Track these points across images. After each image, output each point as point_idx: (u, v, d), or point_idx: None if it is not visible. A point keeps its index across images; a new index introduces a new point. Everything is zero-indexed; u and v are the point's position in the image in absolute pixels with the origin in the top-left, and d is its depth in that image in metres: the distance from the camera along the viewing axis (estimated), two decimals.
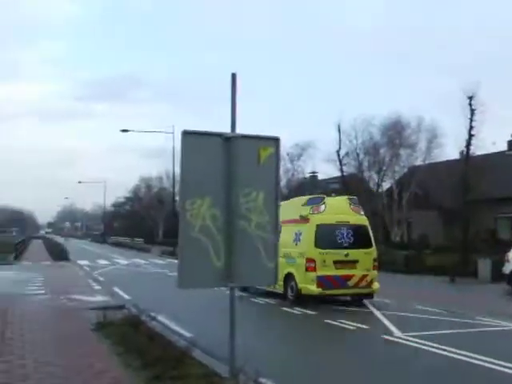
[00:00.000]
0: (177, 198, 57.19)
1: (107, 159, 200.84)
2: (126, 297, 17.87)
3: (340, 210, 16.89)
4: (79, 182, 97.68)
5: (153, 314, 11.42)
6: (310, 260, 16.01)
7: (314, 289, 15.83)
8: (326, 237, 16.30)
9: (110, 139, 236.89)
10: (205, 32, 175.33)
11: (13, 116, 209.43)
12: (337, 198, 19.06)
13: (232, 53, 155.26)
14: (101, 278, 24.36)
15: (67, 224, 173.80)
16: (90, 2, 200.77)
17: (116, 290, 19.91)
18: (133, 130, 51.48)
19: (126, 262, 36.99)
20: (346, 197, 18.17)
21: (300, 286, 16.11)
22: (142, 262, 37.08)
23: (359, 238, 16.73)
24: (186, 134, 5.35)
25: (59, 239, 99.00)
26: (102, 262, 37.29)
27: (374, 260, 16.74)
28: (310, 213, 16.53)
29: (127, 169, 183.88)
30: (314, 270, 15.88)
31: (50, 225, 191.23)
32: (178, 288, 5.21)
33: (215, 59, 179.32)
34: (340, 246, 16.33)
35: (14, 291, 18.68)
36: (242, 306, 11.36)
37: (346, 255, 16.25)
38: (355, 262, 16.35)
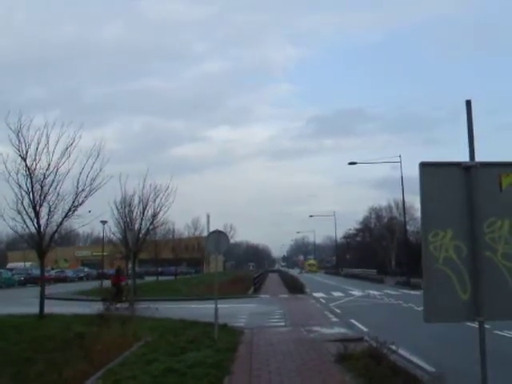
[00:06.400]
0: (407, 228, 56.32)
1: (336, 192, 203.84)
2: (364, 328, 17.90)
3: None
4: (310, 216, 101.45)
5: (393, 346, 11.30)
6: None
7: None
8: None
9: (338, 172, 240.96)
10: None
11: (244, 157, 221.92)
12: None
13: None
14: (337, 310, 24.67)
15: (301, 257, 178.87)
16: (312, 45, 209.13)
17: (353, 321, 20.03)
18: (360, 162, 52.02)
19: (360, 294, 37.02)
20: None
21: None
22: (376, 293, 36.80)
23: None
24: (424, 166, 5.28)
25: (293, 272, 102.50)
26: (337, 293, 37.73)
27: None
28: None
29: (355, 200, 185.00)
30: None
31: (284, 258, 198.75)
32: (425, 322, 5.11)
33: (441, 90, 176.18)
34: None
35: (257, 323, 19.66)
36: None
37: None
38: None
